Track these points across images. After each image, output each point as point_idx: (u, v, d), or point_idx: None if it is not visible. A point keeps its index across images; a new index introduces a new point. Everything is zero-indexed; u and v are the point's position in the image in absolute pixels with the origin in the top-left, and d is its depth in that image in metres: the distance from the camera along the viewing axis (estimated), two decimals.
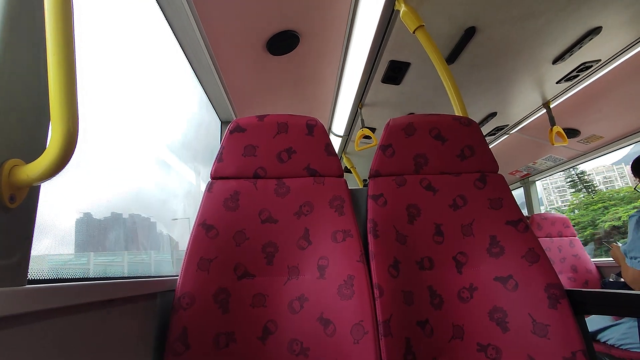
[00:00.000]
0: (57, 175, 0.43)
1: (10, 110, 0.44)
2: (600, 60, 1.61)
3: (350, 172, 3.27)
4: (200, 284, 0.86)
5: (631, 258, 1.47)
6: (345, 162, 3.17)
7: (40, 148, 0.48)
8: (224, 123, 2.10)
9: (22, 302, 0.41)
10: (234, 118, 2.04)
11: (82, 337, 0.54)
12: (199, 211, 0.95)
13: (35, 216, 0.48)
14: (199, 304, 0.84)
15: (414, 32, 1.27)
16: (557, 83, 1.81)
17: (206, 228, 0.92)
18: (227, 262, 0.90)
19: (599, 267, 2.46)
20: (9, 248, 0.43)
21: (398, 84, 1.83)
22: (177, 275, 0.89)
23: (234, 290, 0.88)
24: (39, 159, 0.43)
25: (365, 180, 3.52)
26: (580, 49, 1.51)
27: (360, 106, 2.11)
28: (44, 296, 0.44)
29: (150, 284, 0.77)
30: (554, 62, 1.62)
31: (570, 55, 1.56)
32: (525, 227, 0.95)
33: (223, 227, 0.93)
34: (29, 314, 0.43)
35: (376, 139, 2.19)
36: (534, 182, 3.17)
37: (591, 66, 1.65)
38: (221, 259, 0.90)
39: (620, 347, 1.51)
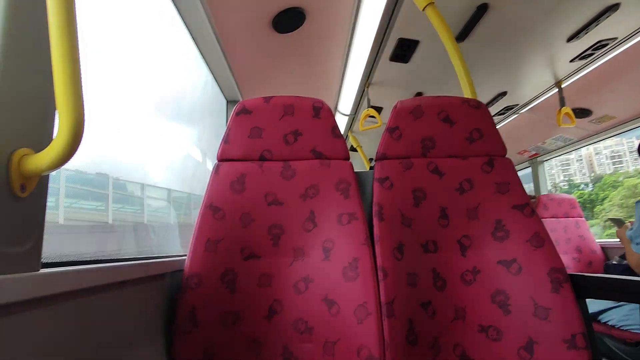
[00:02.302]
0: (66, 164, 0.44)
1: (17, 100, 0.44)
2: (616, 38, 1.56)
3: (356, 151, 3.25)
4: (207, 265, 0.88)
5: (637, 244, 1.47)
6: (351, 141, 3.15)
7: (48, 137, 0.49)
8: (229, 102, 2.08)
9: (37, 287, 0.42)
10: (240, 97, 2.03)
11: (94, 318, 0.56)
12: (205, 193, 0.96)
13: (46, 204, 0.49)
14: (207, 284, 0.86)
15: (423, 10, 1.23)
16: (570, 62, 1.76)
17: (213, 210, 0.94)
18: (233, 243, 0.92)
19: (603, 248, 2.46)
20: (23, 235, 0.44)
21: (406, 62, 1.79)
22: (186, 256, 0.91)
23: (240, 271, 0.90)
24: (47, 148, 0.43)
25: (371, 160, 3.50)
26: (597, 26, 1.46)
27: (367, 85, 2.08)
28: (58, 280, 0.46)
29: (160, 265, 0.79)
30: (569, 40, 1.57)
31: (585, 33, 1.50)
32: (532, 212, 0.95)
33: (230, 209, 0.94)
34: (44, 298, 0.44)
35: (381, 120, 2.17)
36: (543, 162, 3.14)
37: (607, 44, 1.60)
38: (228, 241, 0.91)
39: (621, 328, 1.53)
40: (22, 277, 0.41)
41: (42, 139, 0.48)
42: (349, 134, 3.08)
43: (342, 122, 2.81)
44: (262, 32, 1.56)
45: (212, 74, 1.79)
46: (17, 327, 0.40)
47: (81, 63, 0.43)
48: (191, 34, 1.48)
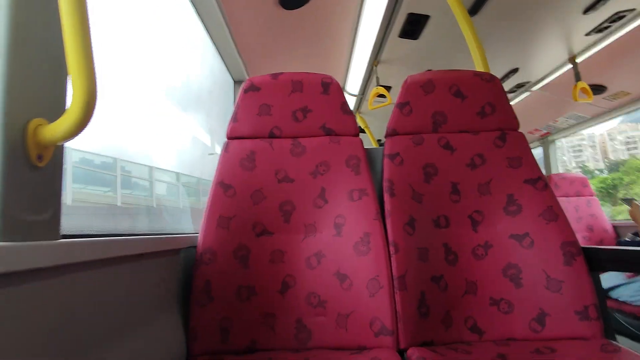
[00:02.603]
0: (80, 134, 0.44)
1: (30, 71, 0.44)
2: (635, 9, 1.50)
3: (364, 132, 3.23)
4: (220, 241, 0.89)
5: None
6: (359, 122, 3.12)
7: (61, 108, 0.49)
8: (237, 82, 2.07)
9: (57, 255, 0.43)
10: (246, 76, 2.01)
11: (111, 289, 0.58)
12: (216, 170, 0.97)
13: (62, 174, 0.49)
14: (220, 259, 0.88)
15: None
16: (586, 35, 1.71)
17: (224, 187, 0.94)
18: (245, 220, 0.92)
19: (615, 227, 2.44)
20: (42, 204, 0.45)
21: (416, 38, 1.75)
22: (197, 233, 0.92)
23: (253, 247, 0.91)
24: (61, 118, 0.43)
25: (379, 140, 3.48)
26: None
27: (375, 63, 2.04)
28: (77, 249, 0.47)
29: (173, 241, 0.80)
30: (585, 11, 1.52)
31: (603, 4, 1.45)
32: (545, 186, 0.94)
33: (240, 187, 0.95)
34: (63, 266, 0.45)
35: (391, 98, 2.14)
36: (554, 141, 3.09)
37: (624, 16, 1.55)
38: (240, 217, 0.92)
39: (632, 303, 1.53)
40: (43, 245, 0.42)
41: (56, 109, 0.48)
42: (357, 115, 3.05)
43: (349, 103, 2.78)
44: (268, 8, 1.54)
45: (220, 54, 1.77)
46: (37, 293, 0.41)
47: (92, 34, 0.43)
48: (198, 14, 1.46)
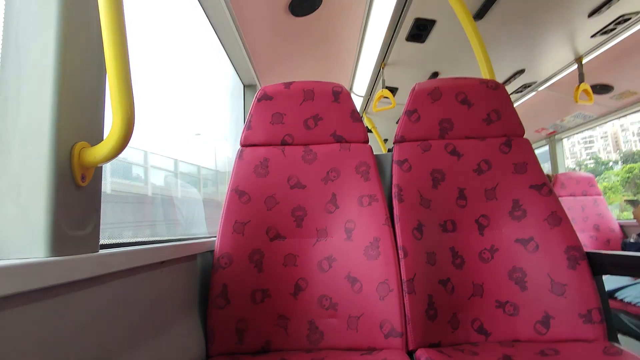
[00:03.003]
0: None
1: (74, 98, 0.48)
2: (639, 12, 1.52)
3: (371, 132, 3.26)
4: (236, 246, 0.93)
5: None
6: (366, 122, 3.15)
7: (99, 131, 0.53)
8: (246, 87, 2.11)
9: (97, 266, 0.48)
10: (257, 81, 2.05)
11: (139, 295, 0.62)
12: (231, 177, 1.01)
13: (101, 192, 0.54)
14: (236, 263, 0.92)
15: None
16: (591, 37, 1.72)
17: (239, 193, 0.98)
18: (259, 225, 0.97)
19: (622, 227, 2.45)
20: (84, 220, 0.50)
21: (423, 42, 1.78)
22: (215, 237, 0.96)
23: (267, 251, 0.95)
24: (103, 142, 0.48)
25: (385, 140, 3.50)
26: (619, 0, 1.42)
27: (382, 65, 2.07)
28: (113, 260, 0.51)
29: (192, 246, 0.84)
30: (590, 15, 1.53)
31: (607, 8, 1.47)
32: (549, 191, 0.97)
33: (254, 193, 0.99)
34: (101, 276, 0.50)
35: (395, 101, 2.17)
36: (561, 139, 3.09)
37: (629, 19, 1.56)
38: (254, 223, 0.96)
39: (637, 305, 1.55)
40: (86, 258, 0.46)
41: (96, 133, 0.53)
42: (364, 115, 3.08)
43: (356, 103, 2.81)
44: (278, 16, 1.57)
45: (230, 58, 1.81)
46: (78, 301, 0.46)
47: (130, 61, 0.47)
48: (210, 21, 1.50)
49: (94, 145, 0.50)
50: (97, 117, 0.53)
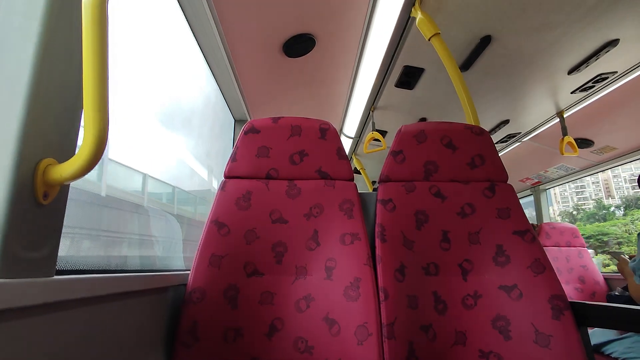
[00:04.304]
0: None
1: (46, 113, 0.47)
2: (616, 72, 1.60)
3: (360, 173, 3.28)
4: (211, 280, 0.89)
5: None
6: (355, 164, 3.18)
7: (71, 148, 0.52)
8: (237, 122, 2.13)
9: (51, 292, 0.44)
10: (248, 117, 2.08)
11: (100, 327, 0.57)
12: (211, 209, 0.98)
13: (64, 212, 0.51)
14: (209, 299, 0.87)
15: (429, 40, 1.28)
16: (571, 93, 1.80)
17: (218, 225, 0.95)
18: (237, 259, 0.93)
19: (607, 279, 2.44)
20: (41, 241, 0.46)
21: (411, 88, 1.84)
22: (189, 270, 0.92)
23: (243, 287, 0.91)
24: (71, 159, 0.46)
25: (374, 182, 3.53)
26: (597, 60, 1.50)
27: (372, 109, 2.12)
28: (70, 286, 0.48)
29: (163, 278, 0.80)
30: (569, 72, 1.61)
31: (586, 67, 1.55)
32: (532, 238, 0.96)
33: (235, 226, 0.96)
34: (56, 303, 0.46)
35: (385, 143, 2.21)
36: (545, 190, 3.15)
37: (607, 77, 1.64)
38: (232, 257, 0.93)
39: None
40: (38, 282, 0.43)
41: (67, 150, 0.51)
42: (353, 157, 3.11)
43: (346, 145, 2.85)
44: (272, 56, 1.62)
45: (222, 94, 1.84)
46: (29, 330, 0.42)
47: (109, 78, 0.46)
48: (206, 58, 1.53)
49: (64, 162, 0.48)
50: (71, 134, 0.51)
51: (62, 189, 0.50)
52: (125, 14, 1.00)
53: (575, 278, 2.40)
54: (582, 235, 2.59)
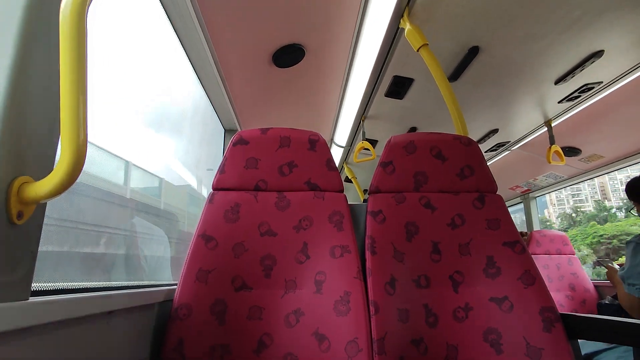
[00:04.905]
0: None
1: (22, 130, 0.45)
2: (602, 82, 1.63)
3: (351, 182, 3.28)
4: (197, 295, 0.87)
5: (629, 285, 1.48)
6: (346, 172, 3.18)
7: (49, 166, 0.50)
8: (227, 131, 2.11)
9: (25, 317, 0.42)
10: (238, 127, 2.06)
11: (82, 349, 0.55)
12: (199, 222, 0.96)
13: (40, 231, 0.49)
14: (196, 315, 0.85)
15: (417, 51, 1.28)
16: (558, 103, 1.83)
17: (206, 239, 0.93)
18: (225, 273, 0.91)
19: (597, 287, 2.45)
20: (15, 263, 0.44)
21: (401, 98, 1.85)
22: (175, 285, 0.90)
23: (231, 302, 0.89)
24: (47, 177, 0.44)
25: (365, 191, 3.53)
26: (582, 70, 1.52)
27: (362, 119, 2.13)
28: (47, 309, 0.46)
29: (148, 295, 0.78)
30: (556, 82, 1.64)
31: (572, 77, 1.57)
32: (522, 249, 0.96)
33: (223, 239, 0.94)
34: (31, 328, 0.44)
35: (375, 153, 2.21)
36: (535, 198, 3.17)
37: (593, 87, 1.67)
38: (219, 271, 0.91)
39: None
40: (10, 307, 0.41)
41: (43, 168, 0.49)
42: (344, 165, 3.11)
43: (337, 154, 2.85)
44: (262, 66, 1.62)
45: (212, 104, 1.83)
46: (3, 358, 0.40)
47: (87, 97, 0.45)
48: (194, 68, 1.52)
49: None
50: (48, 150, 0.50)
51: (38, 208, 0.48)
52: (109, 21, 0.99)
53: (565, 286, 2.41)
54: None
